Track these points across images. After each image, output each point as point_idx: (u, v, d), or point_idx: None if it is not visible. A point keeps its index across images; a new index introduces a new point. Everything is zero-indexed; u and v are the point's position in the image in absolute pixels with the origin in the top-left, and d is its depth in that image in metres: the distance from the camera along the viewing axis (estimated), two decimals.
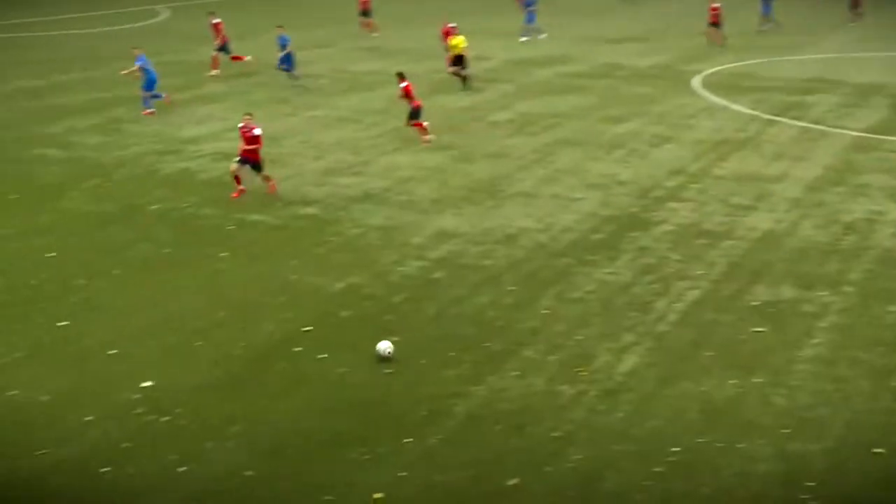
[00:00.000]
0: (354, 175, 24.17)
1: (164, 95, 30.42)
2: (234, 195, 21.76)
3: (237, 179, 21.88)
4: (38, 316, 16.01)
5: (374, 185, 23.27)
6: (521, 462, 12.21)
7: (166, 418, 13.03)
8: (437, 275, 18.04)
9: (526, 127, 29.19)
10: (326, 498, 11.43)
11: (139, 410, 13.21)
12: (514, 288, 17.41)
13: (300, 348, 15.06)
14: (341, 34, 46.12)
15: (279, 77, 34.86)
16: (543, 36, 45.00)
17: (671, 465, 12.10)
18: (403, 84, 27.33)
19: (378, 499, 11.45)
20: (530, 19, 45.50)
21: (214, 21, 36.88)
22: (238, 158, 21.94)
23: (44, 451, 12.21)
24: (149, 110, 29.87)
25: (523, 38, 44.95)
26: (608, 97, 33.19)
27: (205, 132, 27.98)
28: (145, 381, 13.91)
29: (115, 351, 14.88)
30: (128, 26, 46.31)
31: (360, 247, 19.44)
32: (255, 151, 21.91)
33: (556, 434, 12.81)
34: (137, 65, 29.93)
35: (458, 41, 34.22)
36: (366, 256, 18.89)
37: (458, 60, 34.24)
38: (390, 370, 14.38)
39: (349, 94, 33.46)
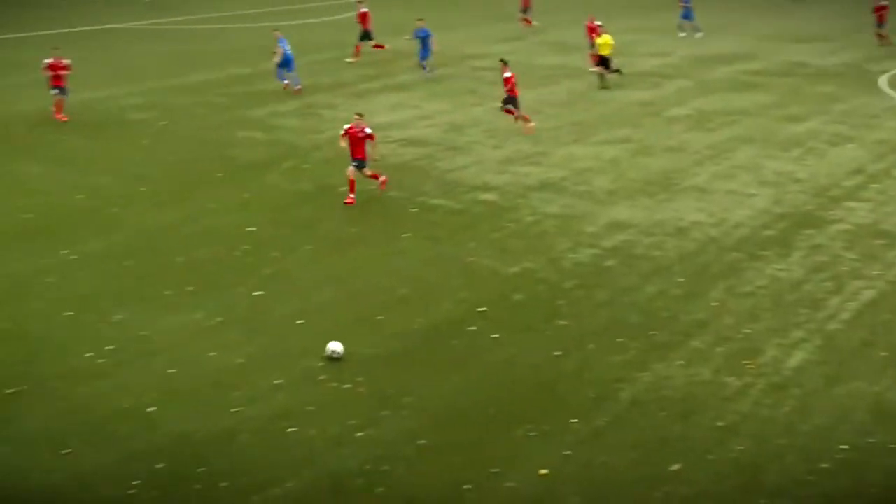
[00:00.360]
0: (533, 164, 24.15)
1: (288, 82, 31.52)
2: (348, 201, 20.66)
3: (351, 186, 20.75)
4: (237, 285, 16.65)
5: (552, 175, 23.19)
6: (683, 448, 12.00)
7: (347, 386, 13.37)
8: (608, 263, 17.87)
9: (703, 123, 28.51)
10: (493, 470, 11.51)
11: (323, 377, 13.61)
12: (683, 280, 17.08)
13: (474, 327, 15.18)
14: (529, 29, 46.09)
15: (466, 68, 35.12)
16: (700, 35, 43.62)
17: (838, 463, 11.65)
18: (507, 74, 26.87)
19: (543, 475, 11.47)
20: (686, 15, 44.19)
21: (362, 10, 37.45)
22: (353, 163, 20.80)
23: (237, 409, 12.72)
24: (285, 83, 31.33)
25: (682, 35, 43.79)
26: (789, 95, 32.03)
27: (395, 119, 28.47)
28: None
29: (302, 321, 15.35)
30: (329, 18, 47.49)
31: (536, 233, 19.43)
32: (363, 150, 20.73)
33: (720, 424, 12.53)
34: (280, 46, 31.10)
35: (606, 40, 33.24)
36: (541, 243, 18.87)
37: (603, 60, 33.20)
38: (559, 353, 14.36)
39: (532, 86, 33.37)
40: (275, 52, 31.46)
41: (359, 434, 12.22)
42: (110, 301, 15.83)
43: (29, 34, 40.56)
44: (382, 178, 21.32)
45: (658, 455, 11.86)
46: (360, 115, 21.08)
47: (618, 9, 49.72)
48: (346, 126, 20.95)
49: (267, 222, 19.75)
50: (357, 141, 20.72)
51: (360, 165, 20.87)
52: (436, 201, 21.24)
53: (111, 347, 14.21)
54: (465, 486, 11.24)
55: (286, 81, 31.54)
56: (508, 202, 21.24)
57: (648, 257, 18.14)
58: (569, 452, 11.90)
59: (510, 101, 26.89)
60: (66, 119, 27.19)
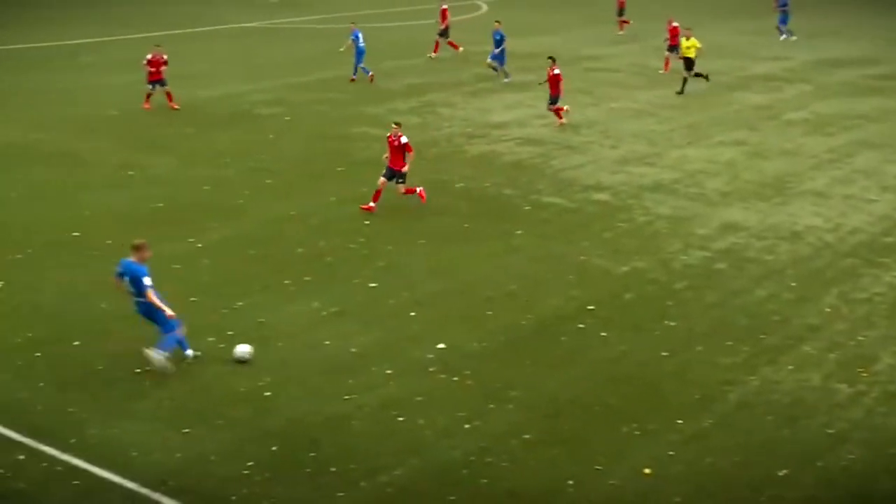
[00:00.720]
0: (648, 165, 23.79)
1: (369, 72, 32.58)
2: (366, 207, 19.77)
3: (376, 194, 19.80)
4: (353, 277, 16.81)
5: (666, 176, 22.81)
6: (791, 454, 11.65)
7: (455, 378, 13.37)
8: (719, 265, 17.47)
9: (823, 127, 27.66)
10: (597, 467, 11.37)
11: (432, 369, 13.63)
12: (795, 284, 16.59)
13: (583, 325, 15.03)
14: (644, 31, 45.43)
15: (581, 69, 34.81)
16: (794, 38, 42.23)
17: None
18: (556, 71, 26.64)
19: (647, 474, 11.27)
20: (783, 20, 42.79)
21: (443, 7, 37.95)
22: (385, 171, 19.86)
23: (349, 397, 12.84)
24: (370, 74, 32.40)
25: (783, 38, 42.46)
26: None
27: (512, 118, 28.38)
28: (439, 342, 14.33)
29: (414, 313, 15.41)
30: (456, 18, 47.66)
31: (648, 234, 19.12)
32: (401, 161, 19.79)
33: (830, 431, 12.12)
34: (351, 39, 32.44)
35: (692, 43, 31.87)
36: (652, 243, 18.57)
37: (688, 63, 31.84)
38: (666, 353, 14.09)
39: (647, 88, 32.92)
40: (350, 46, 32.74)
41: (465, 426, 12.20)
42: (232, 288, 16.16)
43: (167, 32, 41.77)
44: (419, 189, 20.14)
45: (764, 459, 11.54)
46: (398, 123, 20.19)
47: (732, 11, 48.62)
48: (388, 135, 20.08)
49: (381, 216, 19.89)
50: (394, 150, 19.81)
51: (392, 176, 19.78)
52: (549, 199, 21.09)
53: (231, 333, 14.50)
54: (568, 482, 11.12)
55: (357, 75, 32.71)
56: (621, 202, 20.96)
57: (760, 261, 17.68)
58: (673, 452, 11.67)
59: (553, 100, 26.89)
60: (176, 106, 28.24)
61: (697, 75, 31.91)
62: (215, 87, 31.21)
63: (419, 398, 12.84)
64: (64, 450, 11.49)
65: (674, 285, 16.57)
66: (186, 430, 11.98)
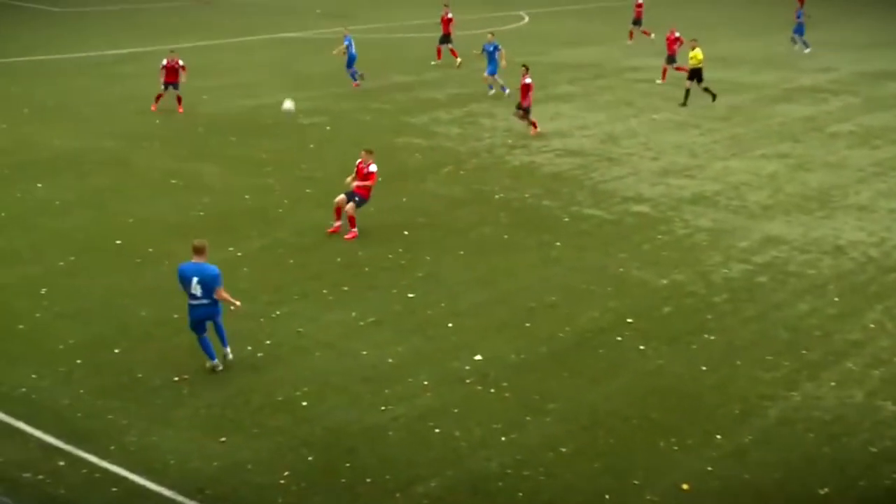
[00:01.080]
0: (688, 177, 23.61)
1: (357, 79, 33.35)
2: (331, 231, 19.14)
3: (337, 213, 19.15)
4: (391, 287, 16.81)
5: (707, 188, 22.62)
6: (832, 471, 11.48)
7: (492, 390, 13.33)
8: (760, 279, 17.28)
9: (868, 140, 27.31)
10: (634, 482, 11.27)
11: (469, 380, 13.59)
12: (838, 299, 16.36)
13: (621, 337, 14.92)
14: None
15: (623, 80, 34.66)
16: (808, 50, 41.64)
17: None
18: (527, 80, 26.70)
19: (685, 490, 11.14)
20: (799, 30, 42.23)
21: (448, 16, 38.34)
22: (347, 192, 19.13)
23: (386, 407, 12.83)
24: (357, 83, 33.21)
25: (796, 48, 41.95)
26: None
27: (552, 129, 28.30)
28: (476, 354, 14.29)
29: (451, 324, 15.38)
30: (494, 29, 47.75)
31: (687, 246, 18.96)
32: (367, 188, 19.12)
33: (873, 449, 11.92)
34: (345, 44, 33.23)
35: (695, 55, 31.22)
36: (691, 256, 18.41)
37: (695, 74, 31.28)
38: (705, 367, 13.95)
39: (691, 99, 32.66)
40: (342, 51, 33.37)
41: (502, 438, 12.15)
42: (271, 297, 16.23)
43: (213, 42, 42.17)
44: (355, 231, 19.02)
45: (805, 476, 11.38)
46: (370, 151, 19.27)
47: (780, 22, 48.16)
48: (358, 160, 19.27)
49: (422, 226, 19.90)
50: (362, 177, 19.09)
51: (352, 198, 19.02)
52: (589, 211, 21.00)
53: (269, 342, 14.57)
54: (605, 496, 11.04)
55: (357, 81, 33.38)
56: (661, 214, 20.82)
57: (802, 275, 17.47)
58: (711, 468, 11.54)
59: (523, 108, 26.94)
60: (182, 111, 29.18)
61: (706, 90, 31.48)
62: (259, 97, 31.44)
63: (456, 409, 12.80)
64: (103, 456, 11.59)
65: (713, 298, 16.41)
66: (223, 439, 12.04)
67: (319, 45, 42.13)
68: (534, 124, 27.33)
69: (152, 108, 29.25)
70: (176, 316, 14.88)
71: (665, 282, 17.11)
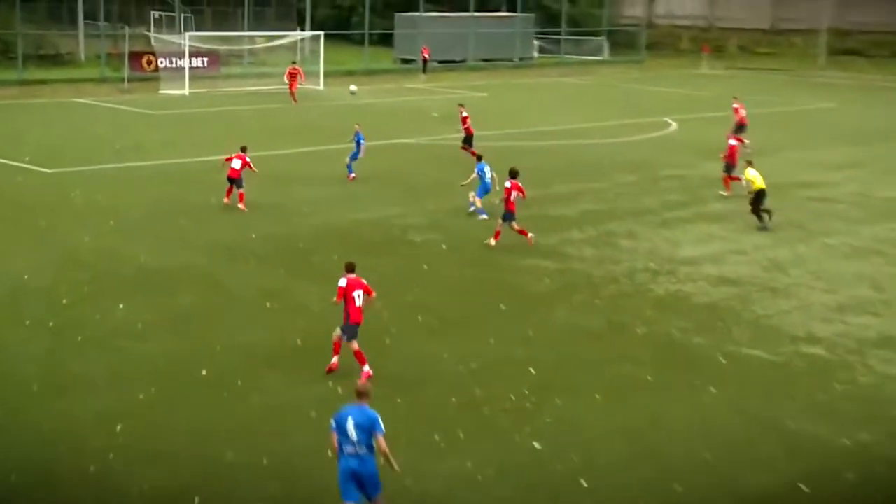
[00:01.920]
0: (872, 315, 22.90)
1: (352, 173, 36.19)
2: (328, 369, 18.76)
3: (336, 348, 18.84)
4: (513, 433, 16.53)
5: None
6: None
7: None
8: None
9: None
10: None
11: None
12: None
13: None
14: (870, 154, 44.50)
15: (795, 198, 34.19)
16: None
17: None
18: (511, 182, 27.86)
19: None
20: None
21: (463, 114, 41.38)
22: (342, 325, 18.76)
23: None
24: (352, 175, 36.24)
25: None
26: None
27: (704, 252, 27.93)
28: None
29: (585, 483, 14.95)
30: (636, 138, 47.92)
31: (875, 398, 18.26)
32: (359, 314, 18.68)
33: None
34: (352, 138, 36.28)
35: (752, 179, 30.48)
36: (881, 411, 17.71)
37: (759, 197, 30.42)
38: None
39: (874, 221, 31.90)
40: (357, 144, 36.15)
41: None
42: None
43: (316, 148, 43.29)
44: (335, 360, 18.87)
45: None
46: (352, 268, 18.87)
47: None
48: (344, 286, 18.70)
49: (551, 363, 19.64)
50: (351, 301, 18.61)
51: (346, 331, 18.75)
52: (749, 351, 20.48)
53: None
54: None
55: (353, 174, 36.32)
56: (839, 357, 20.20)
57: None
58: None
59: (506, 215, 27.93)
60: (228, 202, 31.71)
61: (754, 212, 30.60)
62: (368, 210, 31.93)
63: None
64: None
65: None
66: None
67: (436, 152, 42.83)
68: (524, 232, 28.05)
69: (225, 200, 31.76)
70: (265, 461, 14.81)
71: (847, 442, 16.42)
